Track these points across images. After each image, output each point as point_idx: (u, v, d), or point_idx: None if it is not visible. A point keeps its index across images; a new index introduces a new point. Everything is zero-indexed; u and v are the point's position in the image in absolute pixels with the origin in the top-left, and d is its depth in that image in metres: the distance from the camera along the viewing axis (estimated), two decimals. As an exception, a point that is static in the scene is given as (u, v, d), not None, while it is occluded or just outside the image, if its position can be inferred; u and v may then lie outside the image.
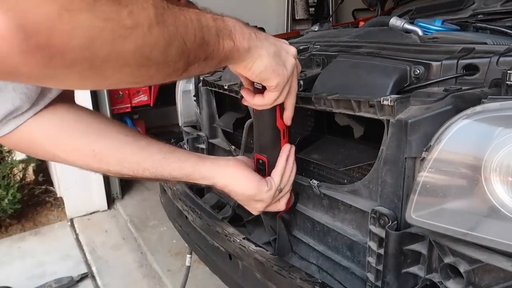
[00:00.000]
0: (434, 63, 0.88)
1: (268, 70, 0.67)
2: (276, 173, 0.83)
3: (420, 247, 0.77)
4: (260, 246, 1.04)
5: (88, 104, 2.68)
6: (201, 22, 0.55)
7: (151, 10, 0.46)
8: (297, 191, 1.09)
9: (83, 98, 2.65)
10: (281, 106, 0.80)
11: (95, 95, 2.80)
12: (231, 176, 0.82)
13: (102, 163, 0.77)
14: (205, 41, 0.55)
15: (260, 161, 0.88)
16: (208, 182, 0.82)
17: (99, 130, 0.78)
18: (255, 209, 0.85)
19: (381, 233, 0.81)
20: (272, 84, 0.69)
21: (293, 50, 0.74)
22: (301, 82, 1.06)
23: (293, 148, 0.86)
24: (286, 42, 0.76)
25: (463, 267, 0.69)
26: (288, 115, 0.82)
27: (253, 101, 0.74)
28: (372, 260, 0.85)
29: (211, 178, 0.81)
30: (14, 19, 0.34)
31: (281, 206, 0.90)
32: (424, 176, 0.70)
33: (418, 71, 0.88)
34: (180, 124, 1.79)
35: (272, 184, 0.84)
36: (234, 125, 1.46)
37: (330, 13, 4.35)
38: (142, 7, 0.45)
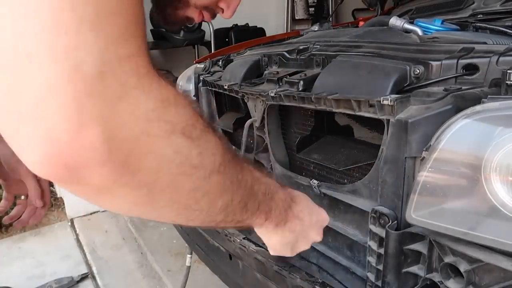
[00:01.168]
0: (434, 63, 0.88)
1: (286, 247, 0.72)
2: None
3: (420, 247, 0.77)
4: (260, 246, 1.04)
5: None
6: (253, 189, 0.55)
7: (218, 157, 0.47)
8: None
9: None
10: None
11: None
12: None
13: None
14: (247, 207, 0.55)
15: None
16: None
17: None
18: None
19: (381, 232, 0.81)
20: (286, 254, 0.74)
21: (316, 238, 0.76)
22: (301, 82, 1.06)
23: None
24: (323, 222, 0.76)
25: (463, 267, 0.69)
26: None
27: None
28: (372, 259, 0.85)
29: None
30: (105, 133, 0.35)
31: None
32: (424, 175, 0.70)
33: (418, 71, 0.88)
34: (180, 124, 1.79)
35: None
36: (234, 125, 1.46)
37: (330, 13, 4.35)
38: (212, 152, 0.46)
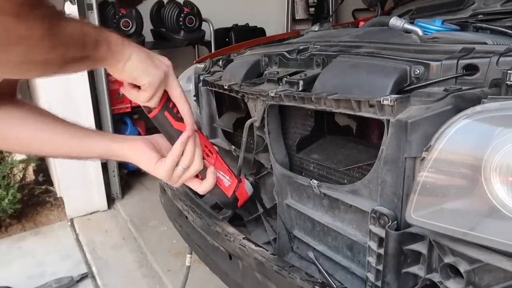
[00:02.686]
0: (434, 63, 0.88)
1: (139, 70, 0.76)
2: (169, 153, 0.88)
3: (420, 247, 0.77)
4: (260, 246, 1.04)
5: (88, 104, 2.69)
6: (83, 30, 0.66)
7: (46, 24, 0.58)
8: (258, 184, 1.18)
9: (83, 98, 2.66)
10: (171, 112, 0.86)
11: (95, 96, 2.80)
12: (134, 153, 0.91)
13: (24, 149, 0.93)
14: (84, 44, 0.67)
15: None
16: (117, 158, 0.92)
17: (22, 121, 0.89)
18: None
19: (381, 233, 0.81)
20: (144, 83, 0.78)
21: (167, 60, 0.83)
22: (301, 82, 1.06)
23: (194, 134, 0.89)
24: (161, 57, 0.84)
25: (463, 267, 0.69)
26: (187, 121, 0.88)
27: (130, 95, 0.81)
28: (372, 260, 0.85)
29: (119, 155, 0.91)
30: None
31: (205, 185, 0.91)
32: (424, 176, 0.70)
33: (418, 71, 0.88)
34: (180, 124, 1.79)
35: (163, 162, 0.88)
36: (234, 125, 1.46)
37: (330, 13, 4.35)
38: (41, 21, 0.57)
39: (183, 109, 0.88)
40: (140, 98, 0.81)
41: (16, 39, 0.55)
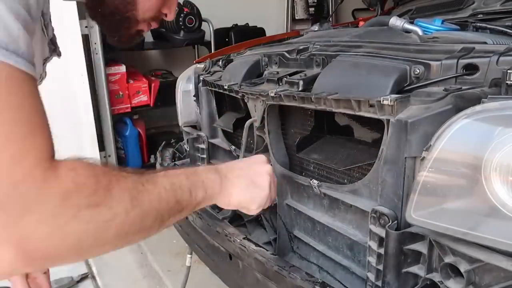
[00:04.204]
0: (434, 63, 0.88)
1: (246, 201, 0.80)
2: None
3: (420, 247, 0.77)
4: (260, 246, 1.04)
5: (88, 104, 2.68)
6: (174, 185, 0.66)
7: (127, 198, 0.56)
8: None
9: (83, 98, 2.66)
10: None
11: (95, 96, 2.80)
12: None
13: None
14: (178, 201, 0.66)
15: None
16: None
17: None
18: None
19: (381, 232, 0.81)
20: (253, 209, 0.82)
21: (266, 168, 0.85)
22: (301, 82, 1.06)
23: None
24: (259, 161, 0.87)
25: (463, 267, 0.69)
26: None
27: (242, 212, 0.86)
28: (372, 259, 0.85)
29: None
30: (16, 251, 0.46)
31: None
32: (424, 175, 0.70)
33: (418, 71, 0.88)
34: (180, 124, 1.79)
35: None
36: (234, 125, 1.46)
37: (330, 13, 4.35)
38: (119, 199, 0.55)
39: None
40: (252, 213, 0.85)
41: (103, 224, 0.53)
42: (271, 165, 0.89)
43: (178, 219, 0.68)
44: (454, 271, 0.72)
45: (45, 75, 0.82)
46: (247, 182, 0.80)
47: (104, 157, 2.91)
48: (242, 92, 1.24)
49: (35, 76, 0.53)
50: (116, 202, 0.55)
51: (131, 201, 0.56)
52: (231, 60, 1.55)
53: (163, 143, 1.88)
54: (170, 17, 0.87)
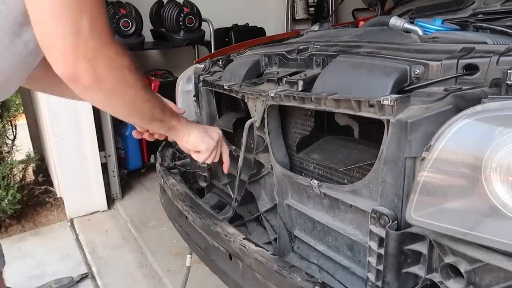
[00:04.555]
0: (434, 63, 0.88)
1: (198, 141, 1.09)
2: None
3: (420, 247, 0.77)
4: (260, 246, 1.04)
5: (89, 105, 2.68)
6: (162, 103, 0.97)
7: (143, 80, 0.87)
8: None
9: (83, 98, 2.66)
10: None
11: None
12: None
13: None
14: (163, 112, 0.97)
15: None
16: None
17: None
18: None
19: (382, 232, 0.81)
20: (202, 148, 1.10)
21: (218, 131, 1.16)
22: (301, 82, 1.06)
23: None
24: (214, 129, 1.16)
25: (463, 267, 0.69)
26: (225, 166, 1.24)
27: (193, 156, 1.15)
28: (372, 260, 0.85)
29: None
30: (92, 69, 0.75)
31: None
32: (425, 175, 0.70)
33: (418, 71, 0.88)
34: (180, 124, 1.79)
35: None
36: (234, 125, 1.46)
37: (330, 13, 4.35)
38: (141, 76, 0.86)
39: (226, 159, 1.23)
40: (200, 158, 1.14)
41: (128, 85, 0.83)
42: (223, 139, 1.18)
43: (156, 129, 1.05)
44: (454, 271, 0.72)
45: None
46: (203, 130, 1.11)
47: (104, 157, 2.91)
48: (242, 92, 1.24)
49: None
50: (143, 82, 0.86)
51: (143, 87, 0.87)
52: (231, 60, 1.55)
53: (163, 143, 1.88)
54: None
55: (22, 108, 3.40)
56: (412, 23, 1.24)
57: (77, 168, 2.72)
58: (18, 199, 2.56)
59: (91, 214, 2.84)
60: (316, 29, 1.67)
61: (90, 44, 0.73)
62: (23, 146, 2.93)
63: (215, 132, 1.14)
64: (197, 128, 1.09)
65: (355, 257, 0.99)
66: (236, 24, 3.71)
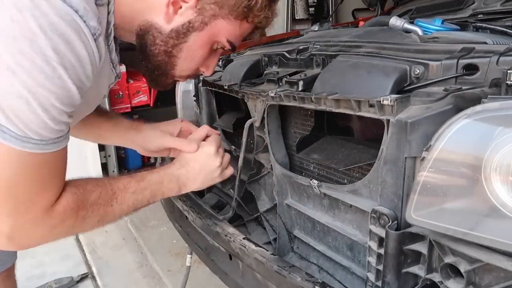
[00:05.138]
0: (434, 63, 0.88)
1: (201, 187, 1.06)
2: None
3: (420, 247, 0.77)
4: (260, 246, 1.04)
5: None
6: (137, 200, 0.91)
7: (95, 220, 0.83)
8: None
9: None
10: None
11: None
12: None
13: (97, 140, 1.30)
14: (135, 209, 0.92)
15: None
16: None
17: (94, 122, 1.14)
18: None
19: (381, 232, 0.81)
20: (202, 187, 1.07)
21: (217, 162, 1.06)
22: (301, 82, 1.06)
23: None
24: (211, 157, 1.06)
25: (463, 267, 0.69)
26: None
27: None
28: (372, 260, 0.85)
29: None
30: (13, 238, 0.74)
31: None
32: (424, 175, 0.70)
33: (418, 71, 0.88)
34: (180, 124, 1.79)
35: None
36: (234, 125, 1.46)
37: (330, 13, 4.35)
38: (90, 223, 0.82)
39: None
40: (224, 175, 1.10)
41: (71, 234, 0.83)
42: (220, 146, 1.10)
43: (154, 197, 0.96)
44: (454, 271, 0.72)
45: (107, 93, 1.03)
46: (201, 180, 1.04)
47: (104, 157, 2.91)
48: (242, 92, 1.24)
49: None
50: (87, 226, 0.81)
51: (98, 221, 0.83)
52: (231, 60, 1.55)
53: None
54: (208, 73, 0.98)
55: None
56: (412, 23, 1.24)
57: (77, 168, 2.71)
58: (18, 199, 2.56)
59: (91, 214, 2.83)
60: (316, 29, 1.68)
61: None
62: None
63: (216, 165, 1.06)
64: (193, 184, 1.03)
65: (355, 257, 0.99)
66: (236, 24, 3.71)
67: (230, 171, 1.11)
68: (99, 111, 1.11)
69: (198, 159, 1.04)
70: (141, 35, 0.86)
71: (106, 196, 0.83)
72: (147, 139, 1.14)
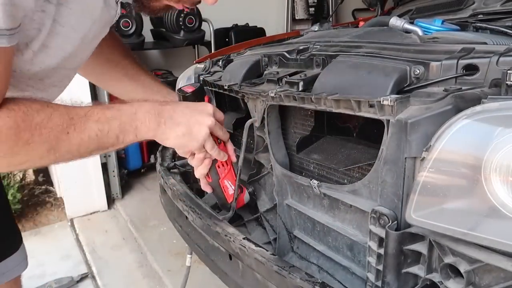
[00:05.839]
0: (434, 63, 0.88)
1: (177, 146, 0.86)
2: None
3: (420, 247, 0.77)
4: (260, 246, 1.04)
5: (88, 102, 2.69)
6: (102, 131, 0.73)
7: (44, 149, 0.68)
8: (255, 192, 1.31)
9: (82, 97, 2.65)
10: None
11: (95, 95, 2.80)
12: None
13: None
14: (100, 146, 0.74)
15: None
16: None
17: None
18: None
19: (381, 233, 0.81)
20: (181, 153, 0.90)
21: (207, 122, 0.88)
22: (301, 82, 1.06)
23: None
24: (204, 112, 0.89)
25: (463, 267, 0.69)
26: (230, 153, 1.06)
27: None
28: (372, 260, 0.85)
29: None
30: None
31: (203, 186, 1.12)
32: (424, 176, 0.70)
33: (418, 71, 0.88)
34: (180, 124, 1.79)
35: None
36: (234, 125, 1.46)
37: (330, 13, 4.35)
38: (36, 150, 0.67)
39: (229, 148, 1.07)
40: (181, 154, 0.94)
41: (19, 164, 0.68)
42: (214, 117, 0.92)
43: (97, 154, 0.78)
44: (454, 271, 0.73)
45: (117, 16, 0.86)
46: (184, 131, 0.84)
47: (104, 157, 2.91)
48: (242, 92, 1.24)
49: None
50: (34, 153, 0.67)
51: (48, 151, 0.68)
52: (231, 60, 1.55)
53: (163, 143, 1.88)
54: (210, 1, 0.85)
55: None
56: (412, 23, 1.24)
57: (77, 168, 2.72)
58: (18, 199, 2.57)
59: (91, 214, 2.84)
60: (316, 29, 1.67)
61: None
62: (23, 146, 2.93)
63: (204, 124, 0.88)
64: (176, 129, 0.83)
65: (355, 257, 0.99)
66: (236, 24, 3.71)
67: (223, 134, 0.95)
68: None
69: (191, 105, 0.88)
70: None
71: (59, 120, 0.68)
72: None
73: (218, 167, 1.09)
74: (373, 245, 0.84)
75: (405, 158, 0.77)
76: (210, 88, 1.52)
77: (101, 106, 0.76)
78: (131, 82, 1.07)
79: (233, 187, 1.16)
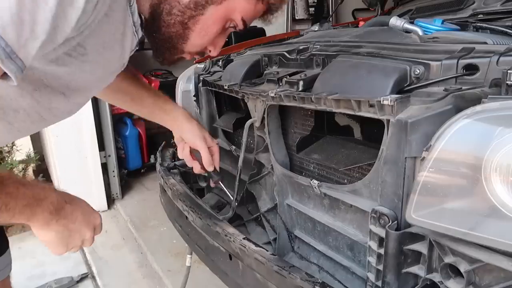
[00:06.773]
0: (434, 63, 0.88)
1: (49, 246, 0.87)
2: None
3: (420, 247, 0.77)
4: (260, 246, 1.04)
5: (89, 104, 2.69)
6: (9, 205, 0.72)
7: None
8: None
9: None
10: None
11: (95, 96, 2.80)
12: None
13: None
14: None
15: None
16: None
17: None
18: None
19: (381, 232, 0.81)
20: (53, 249, 0.88)
21: (87, 234, 0.90)
22: (301, 82, 1.06)
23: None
24: (95, 221, 0.92)
25: (463, 267, 0.69)
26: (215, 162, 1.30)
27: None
28: (372, 260, 0.85)
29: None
30: None
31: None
32: (425, 175, 0.70)
33: (418, 71, 0.88)
34: (180, 124, 1.79)
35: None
36: (234, 125, 1.46)
37: (330, 13, 4.35)
38: None
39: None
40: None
41: None
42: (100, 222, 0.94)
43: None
44: (454, 271, 0.72)
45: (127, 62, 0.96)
46: (63, 237, 0.86)
47: (104, 157, 2.91)
48: (242, 92, 1.24)
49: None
50: None
51: None
52: (231, 60, 1.55)
53: (163, 143, 1.88)
54: (214, 53, 0.94)
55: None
56: (412, 23, 1.24)
57: (77, 168, 2.72)
58: (18, 199, 2.56)
59: (91, 214, 2.83)
60: (316, 29, 1.67)
61: None
62: (23, 146, 2.93)
63: (88, 231, 0.90)
64: (59, 233, 0.84)
65: (355, 257, 0.99)
66: (236, 24, 3.70)
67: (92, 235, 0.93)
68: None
69: (86, 212, 0.91)
70: (157, 3, 0.81)
71: None
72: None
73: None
74: (373, 245, 0.84)
75: (405, 158, 0.77)
76: (210, 88, 1.53)
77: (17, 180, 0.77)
78: (136, 104, 1.26)
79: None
